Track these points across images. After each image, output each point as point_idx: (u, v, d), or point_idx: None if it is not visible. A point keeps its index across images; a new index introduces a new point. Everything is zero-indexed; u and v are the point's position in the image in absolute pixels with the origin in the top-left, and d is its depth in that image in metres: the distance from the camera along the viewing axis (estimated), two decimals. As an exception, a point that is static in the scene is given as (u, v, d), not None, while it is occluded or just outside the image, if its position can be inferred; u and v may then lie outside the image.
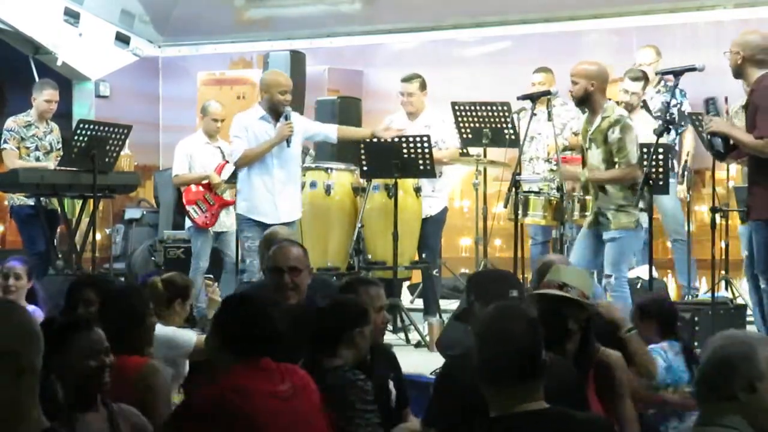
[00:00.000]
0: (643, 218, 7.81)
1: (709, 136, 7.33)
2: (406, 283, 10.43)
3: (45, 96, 10.29)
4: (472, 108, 10.05)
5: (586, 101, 7.87)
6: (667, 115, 8.27)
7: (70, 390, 3.91)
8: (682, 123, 10.12)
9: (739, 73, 7.35)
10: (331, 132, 9.38)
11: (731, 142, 7.27)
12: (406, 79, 9.95)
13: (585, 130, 7.99)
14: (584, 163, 8.06)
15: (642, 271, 8.89)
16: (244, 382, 4.22)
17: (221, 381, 4.25)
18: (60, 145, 10.29)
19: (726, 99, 8.25)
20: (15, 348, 2.86)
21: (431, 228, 9.79)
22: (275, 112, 8.99)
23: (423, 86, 9.93)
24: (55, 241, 10.43)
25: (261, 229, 8.60)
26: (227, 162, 10.54)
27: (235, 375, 4.25)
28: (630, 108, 9.42)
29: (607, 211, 7.77)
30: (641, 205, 7.73)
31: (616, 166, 7.74)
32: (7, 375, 2.84)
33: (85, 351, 4.05)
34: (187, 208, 10.29)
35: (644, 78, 9.86)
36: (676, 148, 9.86)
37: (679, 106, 9.75)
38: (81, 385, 4.00)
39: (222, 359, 4.32)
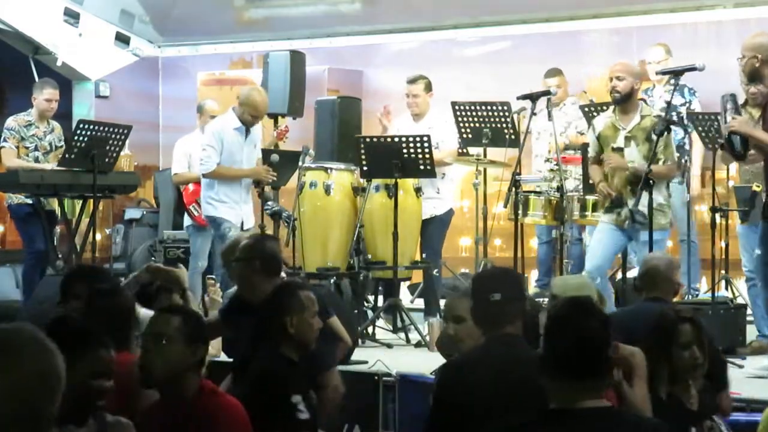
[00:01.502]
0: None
1: (728, 135, 7.29)
2: (406, 283, 10.42)
3: (45, 95, 10.30)
4: (472, 108, 10.04)
5: (629, 98, 7.91)
6: (668, 114, 8.25)
7: (62, 403, 3.81)
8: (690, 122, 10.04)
9: (755, 76, 7.32)
10: None
11: (750, 144, 7.24)
12: (412, 81, 9.92)
13: (615, 129, 7.99)
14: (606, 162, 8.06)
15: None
16: None
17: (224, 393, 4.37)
18: (62, 143, 10.29)
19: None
20: (24, 396, 2.42)
21: (435, 228, 9.77)
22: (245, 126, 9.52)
23: (428, 87, 9.91)
24: (55, 240, 10.41)
25: (233, 224, 9.46)
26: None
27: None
28: None
29: (645, 212, 7.78)
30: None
31: (661, 162, 7.76)
32: (19, 427, 2.40)
33: (88, 369, 3.86)
34: (188, 207, 10.29)
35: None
36: (686, 147, 9.76)
37: (688, 105, 9.68)
38: (74, 401, 3.86)
39: (195, 375, 4.38)
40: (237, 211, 9.54)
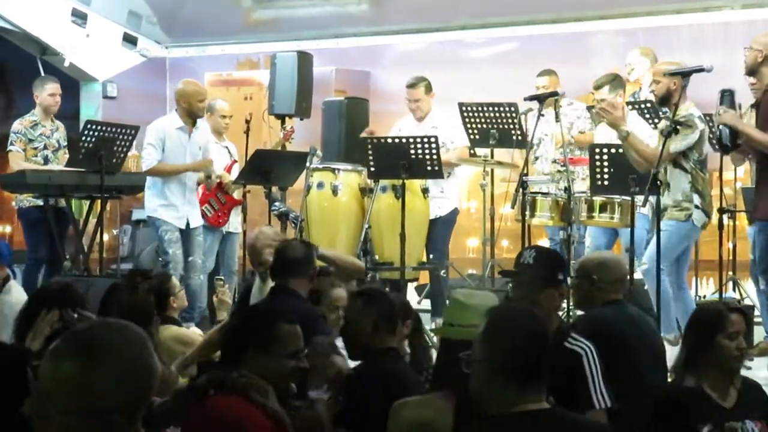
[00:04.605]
0: (697, 214, 7.82)
1: (718, 128, 7.34)
2: (413, 284, 10.42)
3: (48, 90, 10.32)
4: (479, 109, 10.04)
5: (667, 99, 7.91)
6: (674, 115, 8.24)
7: None
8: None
9: (754, 71, 7.39)
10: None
11: (738, 138, 7.30)
12: (411, 86, 9.91)
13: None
14: None
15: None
16: None
17: None
18: (66, 143, 10.31)
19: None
20: (118, 402, 2.55)
21: (440, 229, 9.78)
22: (191, 121, 9.63)
23: (428, 89, 9.91)
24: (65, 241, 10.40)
25: (174, 226, 9.55)
26: (235, 161, 10.59)
27: None
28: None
29: (668, 206, 7.79)
30: (696, 201, 7.79)
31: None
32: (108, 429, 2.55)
33: None
34: (201, 208, 10.29)
35: (609, 82, 9.57)
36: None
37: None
38: None
39: None
40: (177, 212, 9.61)
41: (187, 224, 9.63)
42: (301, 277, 5.99)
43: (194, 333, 7.11)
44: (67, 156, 10.10)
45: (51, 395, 2.54)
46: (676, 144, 7.77)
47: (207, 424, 3.78)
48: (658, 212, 7.68)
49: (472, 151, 10.17)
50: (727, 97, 7.38)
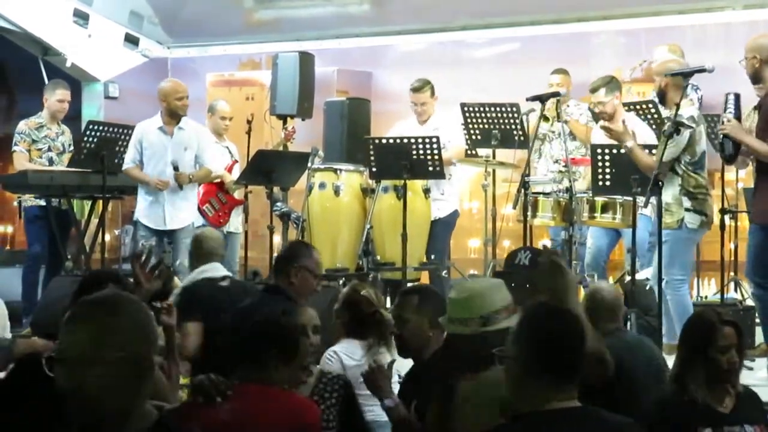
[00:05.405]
0: (689, 217, 7.79)
1: (721, 137, 7.31)
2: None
3: (57, 96, 10.33)
4: (481, 109, 10.03)
5: (663, 98, 7.93)
6: (677, 115, 8.24)
7: None
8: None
9: (757, 77, 7.34)
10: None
11: (740, 149, 7.27)
12: (417, 89, 9.90)
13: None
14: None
15: (648, 273, 8.87)
16: None
17: None
18: (72, 148, 10.32)
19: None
20: (134, 351, 2.81)
21: (440, 230, 9.78)
22: (174, 121, 9.62)
23: (433, 92, 9.92)
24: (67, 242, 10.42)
25: (152, 232, 9.59)
26: (236, 161, 10.59)
27: None
28: (605, 117, 9.13)
29: (663, 209, 7.78)
30: (686, 204, 7.76)
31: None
32: (130, 377, 2.80)
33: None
34: (201, 207, 10.28)
35: (605, 85, 9.49)
36: None
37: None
38: None
39: None
40: (155, 213, 9.63)
41: (168, 225, 9.62)
42: (281, 274, 5.92)
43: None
44: None
45: (74, 359, 2.77)
46: (670, 150, 7.73)
47: (262, 410, 3.89)
48: (660, 214, 7.67)
49: (473, 152, 10.16)
50: (732, 100, 7.33)
